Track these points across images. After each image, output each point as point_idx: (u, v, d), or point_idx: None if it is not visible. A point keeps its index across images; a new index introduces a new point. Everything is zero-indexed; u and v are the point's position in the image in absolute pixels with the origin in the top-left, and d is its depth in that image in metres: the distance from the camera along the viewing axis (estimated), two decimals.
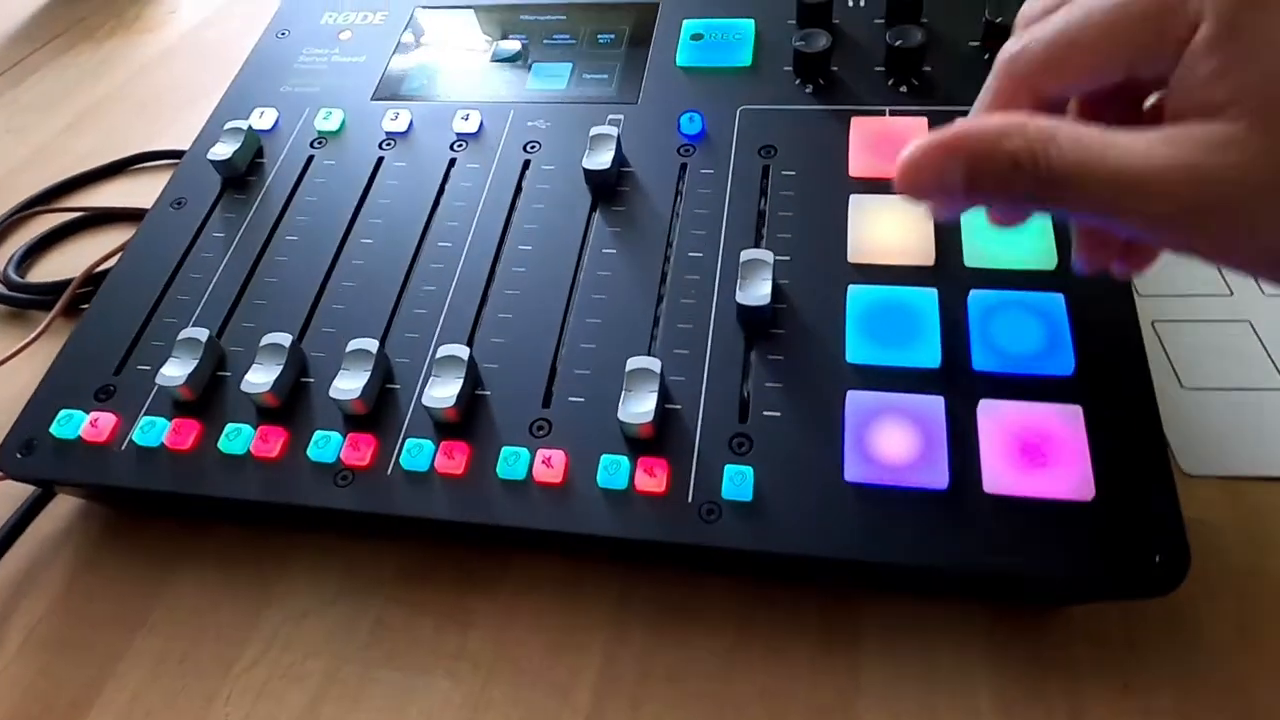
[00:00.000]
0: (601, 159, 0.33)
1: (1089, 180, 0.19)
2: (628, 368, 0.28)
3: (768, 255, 0.29)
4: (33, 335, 0.37)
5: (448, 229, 0.34)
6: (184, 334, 0.30)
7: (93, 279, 0.40)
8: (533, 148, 0.36)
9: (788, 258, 0.30)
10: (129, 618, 0.29)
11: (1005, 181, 0.20)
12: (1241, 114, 0.17)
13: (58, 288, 0.40)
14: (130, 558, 0.30)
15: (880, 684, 0.25)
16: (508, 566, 0.29)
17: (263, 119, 0.39)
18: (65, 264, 0.44)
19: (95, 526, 0.32)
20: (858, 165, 0.33)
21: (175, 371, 0.30)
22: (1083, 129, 0.20)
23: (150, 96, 0.57)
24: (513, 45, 0.40)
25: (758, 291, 0.29)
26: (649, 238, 0.32)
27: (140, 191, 0.48)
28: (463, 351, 0.29)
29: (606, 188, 0.34)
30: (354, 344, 0.29)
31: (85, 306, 0.40)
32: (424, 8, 0.43)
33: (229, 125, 0.37)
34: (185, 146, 0.51)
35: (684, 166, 0.34)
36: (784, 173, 0.33)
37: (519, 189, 0.35)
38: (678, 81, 0.37)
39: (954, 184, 0.21)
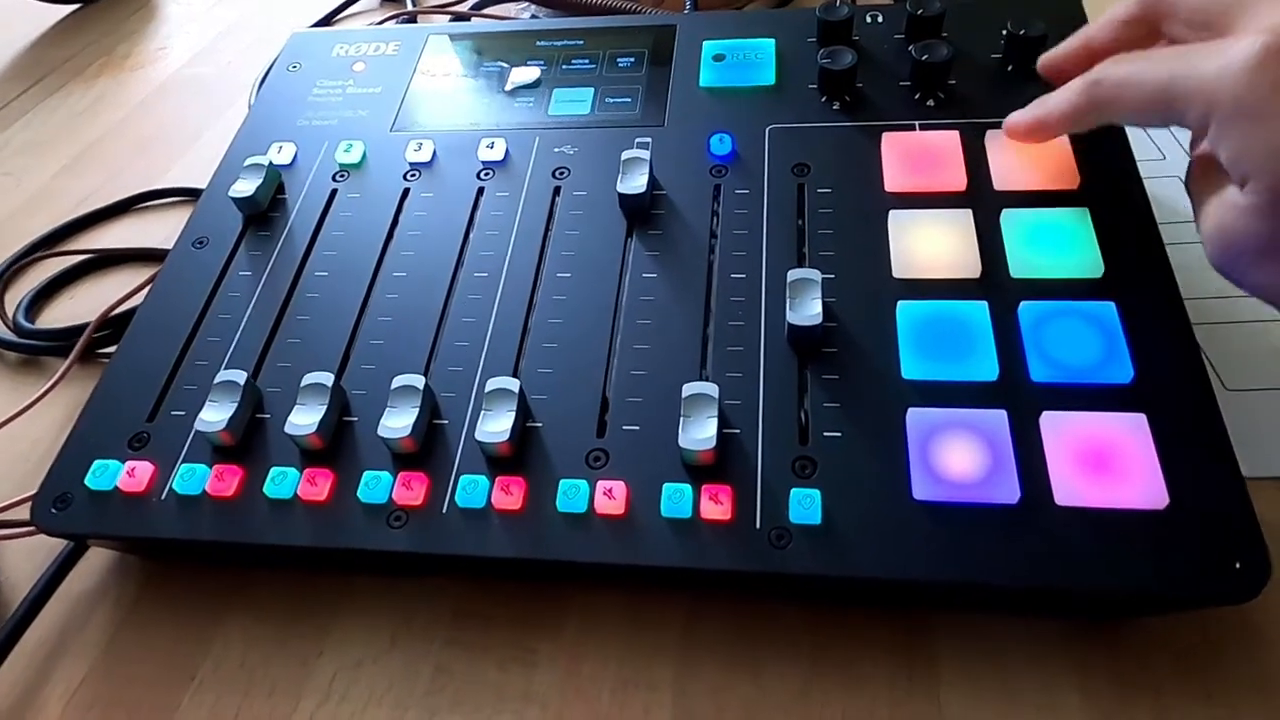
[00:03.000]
0: (635, 183, 0.33)
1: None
2: (684, 394, 0.27)
3: (815, 274, 0.29)
4: (50, 383, 0.36)
5: (482, 259, 0.33)
6: (220, 377, 0.29)
7: (108, 322, 0.39)
8: (562, 173, 0.36)
9: (832, 276, 0.30)
10: (176, 675, 0.28)
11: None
12: None
13: (71, 333, 0.39)
14: (172, 611, 0.29)
15: (962, 706, 0.24)
16: (567, 603, 0.28)
17: (281, 153, 0.38)
18: (75, 308, 0.43)
19: (132, 580, 0.30)
20: (893, 180, 0.33)
21: (214, 416, 0.29)
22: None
23: (147, 135, 0.56)
24: (531, 71, 0.40)
25: (808, 311, 0.28)
26: (689, 260, 0.32)
27: (147, 231, 0.47)
28: (512, 384, 0.28)
29: (641, 211, 0.33)
30: (399, 380, 0.29)
31: (101, 351, 0.39)
32: (437, 34, 0.43)
33: (249, 161, 0.36)
34: (188, 184, 0.51)
35: (717, 188, 0.34)
36: (819, 190, 0.33)
37: (551, 216, 0.34)
38: (702, 102, 0.37)
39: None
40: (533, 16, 0.56)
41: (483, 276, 0.33)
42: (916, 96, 0.36)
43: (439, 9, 0.55)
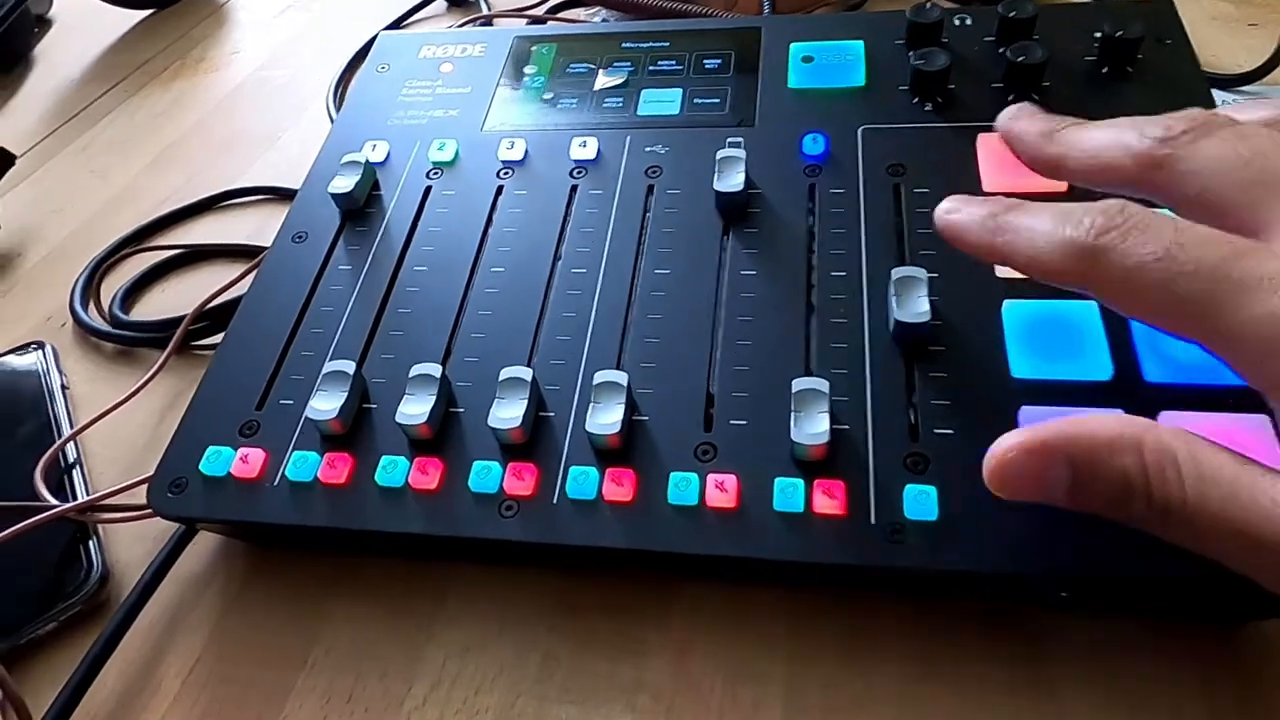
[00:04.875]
0: (732, 181, 0.33)
1: (1205, 526, 0.18)
2: (794, 389, 0.27)
3: (920, 272, 0.29)
4: (151, 372, 0.37)
5: (579, 255, 0.34)
6: (329, 367, 0.30)
7: (203, 315, 0.39)
8: (654, 172, 0.36)
9: (935, 275, 0.30)
10: (288, 656, 0.28)
11: (1115, 503, 0.19)
12: None
13: (167, 325, 0.40)
14: (281, 595, 0.30)
15: (1085, 708, 0.24)
16: (673, 595, 0.28)
17: (375, 151, 0.39)
18: (166, 301, 0.44)
19: (239, 564, 0.31)
20: (990, 181, 0.33)
21: (325, 405, 0.29)
22: (1206, 453, 0.19)
23: (225, 136, 0.57)
24: (619, 72, 0.40)
25: (916, 308, 0.28)
26: (787, 258, 0.32)
27: (230, 228, 0.49)
28: (620, 377, 0.28)
29: (737, 210, 0.34)
30: (507, 372, 0.29)
31: (196, 344, 0.40)
32: (522, 37, 0.43)
33: (345, 158, 0.37)
34: (269, 183, 0.52)
35: (812, 187, 0.34)
36: (916, 190, 0.33)
37: (646, 213, 0.35)
38: (792, 103, 0.37)
39: (1055, 492, 0.20)
40: (603, 20, 0.56)
41: (580, 273, 0.33)
42: (1010, 98, 0.36)
43: (514, 13, 0.56)
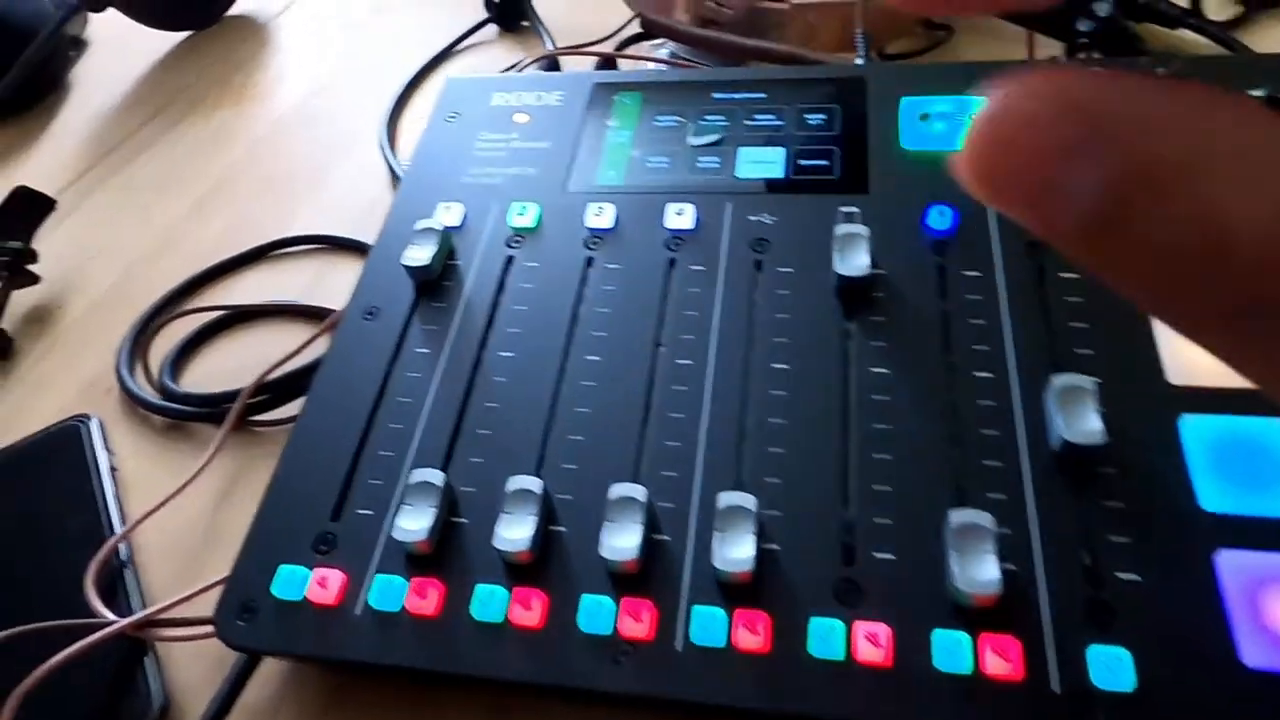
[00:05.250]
0: (856, 263, 0.30)
1: None
2: (952, 523, 0.24)
3: (1088, 381, 0.26)
4: (207, 456, 0.34)
5: (683, 344, 0.30)
6: (414, 477, 0.27)
7: (262, 388, 0.37)
8: (761, 246, 0.33)
9: (1098, 381, 0.27)
10: None
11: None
12: None
13: (222, 399, 0.37)
14: None
15: None
16: None
17: (450, 214, 0.35)
18: (219, 366, 0.41)
19: (310, 693, 0.28)
20: None
21: (413, 524, 0.26)
22: None
23: (273, 172, 0.54)
24: (713, 128, 0.37)
25: (1086, 426, 0.25)
26: (921, 354, 0.29)
27: (282, 281, 0.46)
28: (748, 501, 0.25)
29: (861, 295, 0.30)
30: (618, 490, 0.26)
31: (253, 419, 0.37)
32: (602, 84, 0.40)
33: (419, 225, 0.34)
34: (319, 228, 0.49)
35: (941, 268, 0.31)
36: (1062, 275, 0.30)
37: (755, 295, 0.31)
38: (908, 167, 0.34)
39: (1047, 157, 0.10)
40: (671, 54, 0.53)
41: (686, 364, 0.30)
42: None
43: (577, 50, 0.52)
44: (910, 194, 0.33)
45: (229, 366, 0.40)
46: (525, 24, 0.66)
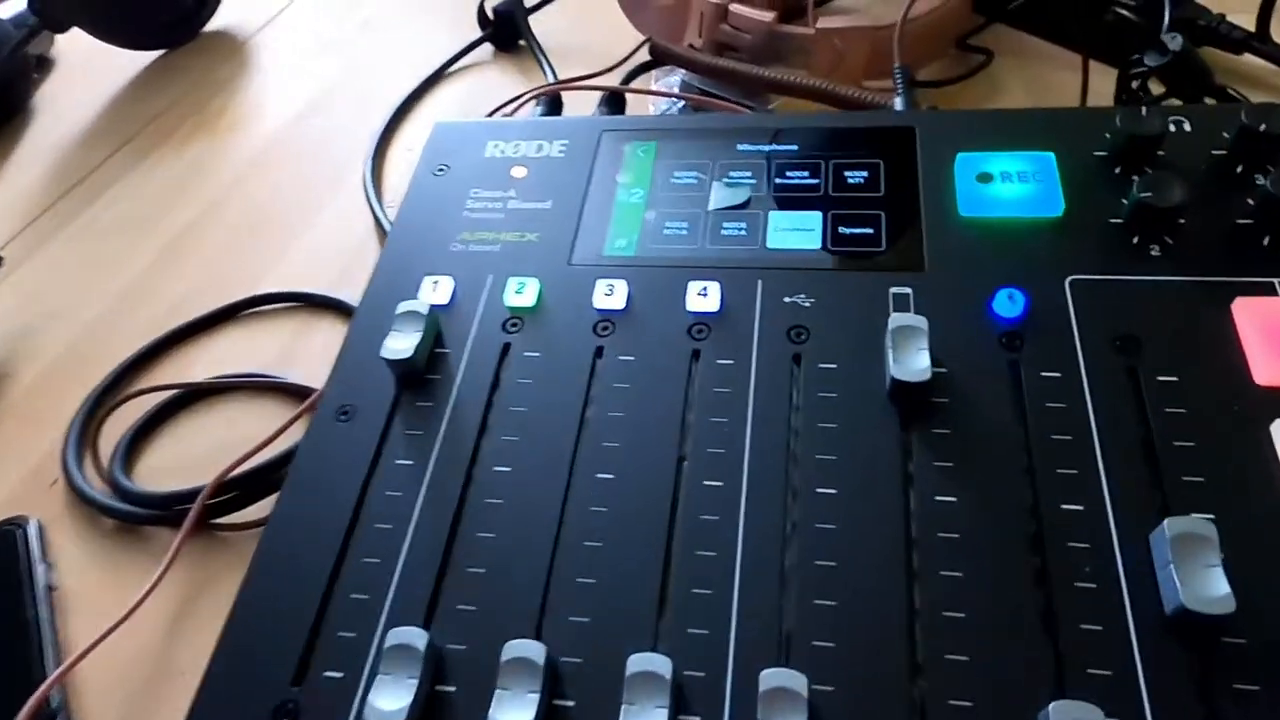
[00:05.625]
0: (915, 366, 0.25)
1: None
2: (1052, 714, 0.19)
3: (1207, 529, 0.21)
4: (158, 573, 0.29)
5: (711, 460, 0.26)
6: (393, 638, 0.22)
7: (223, 487, 0.32)
8: (799, 335, 0.28)
9: (1212, 517, 0.22)
10: None
11: None
12: None
13: (179, 499, 0.32)
14: None
15: None
16: None
17: (437, 291, 0.31)
18: (178, 455, 0.36)
19: None
20: (1264, 369, 0.25)
21: (390, 703, 0.21)
22: None
23: (249, 216, 0.49)
24: (739, 187, 0.32)
25: (1211, 591, 0.20)
26: (995, 478, 0.24)
27: (255, 347, 0.41)
28: (798, 682, 0.20)
29: (920, 401, 0.26)
30: (638, 663, 0.21)
31: (215, 522, 0.33)
32: (611, 132, 0.36)
33: (403, 308, 0.29)
34: (297, 284, 0.44)
35: (1014, 365, 0.26)
36: (1160, 378, 0.25)
37: (794, 397, 0.27)
38: (969, 239, 0.29)
39: None
40: (684, 82, 0.48)
41: (715, 487, 0.25)
42: (1266, 242, 0.27)
43: (580, 82, 0.47)
44: (973, 272, 0.28)
45: (192, 453, 0.36)
46: (523, 43, 0.61)
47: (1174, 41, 0.36)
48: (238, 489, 0.32)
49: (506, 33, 0.60)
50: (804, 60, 0.46)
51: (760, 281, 0.29)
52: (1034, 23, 0.50)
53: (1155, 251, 0.28)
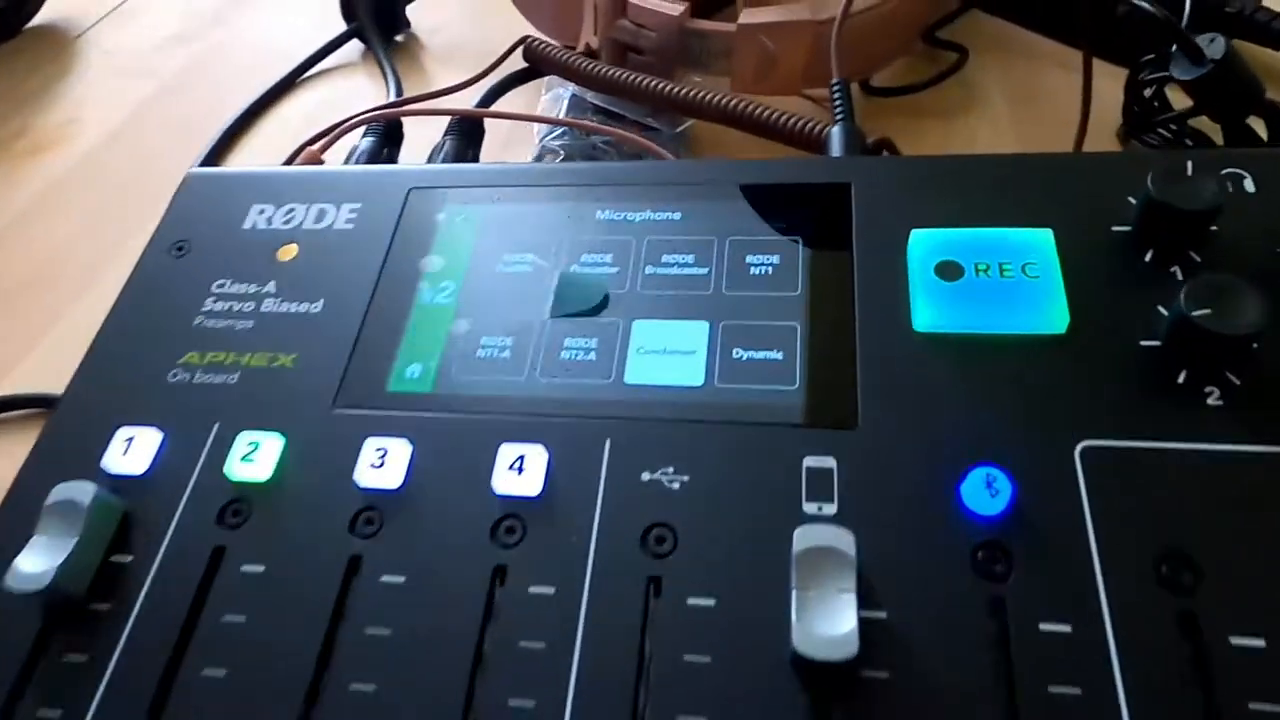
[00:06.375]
0: (833, 632, 0.15)
1: None
2: None
3: None
4: None
5: None
6: None
7: None
8: (661, 542, 0.18)
9: None
10: None
11: None
12: None
13: None
14: None
15: None
16: None
17: (129, 456, 0.20)
18: None
19: None
20: None
21: None
22: None
23: (21, 275, 0.38)
24: (587, 282, 0.22)
25: None
26: None
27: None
28: None
29: (844, 678, 0.16)
30: None
31: None
32: (422, 190, 0.25)
33: (55, 495, 0.19)
34: (62, 368, 0.33)
35: (996, 605, 0.16)
36: (1234, 640, 0.15)
37: (645, 655, 0.17)
38: (926, 373, 0.19)
39: None
40: (573, 97, 0.38)
41: None
42: None
43: (419, 105, 0.35)
44: (932, 434, 0.18)
45: None
46: (400, 38, 0.50)
47: (1214, 46, 0.26)
48: None
49: (380, 24, 0.49)
50: (725, 65, 0.36)
51: (609, 441, 0.19)
52: (1020, 10, 0.39)
53: (1214, 399, 0.18)
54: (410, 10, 0.49)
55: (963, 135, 0.37)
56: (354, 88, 0.47)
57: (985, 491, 0.17)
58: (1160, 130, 0.33)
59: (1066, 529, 0.17)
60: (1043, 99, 0.38)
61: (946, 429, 0.18)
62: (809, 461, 0.18)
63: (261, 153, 0.44)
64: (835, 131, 0.27)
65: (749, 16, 0.35)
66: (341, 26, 0.48)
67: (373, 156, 0.31)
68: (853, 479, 0.18)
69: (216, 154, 0.42)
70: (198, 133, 0.44)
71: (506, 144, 0.39)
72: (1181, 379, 0.18)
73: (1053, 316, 0.19)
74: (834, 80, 0.29)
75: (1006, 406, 0.18)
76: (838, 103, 0.28)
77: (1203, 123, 0.32)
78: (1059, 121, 0.36)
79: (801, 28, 0.34)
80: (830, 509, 0.17)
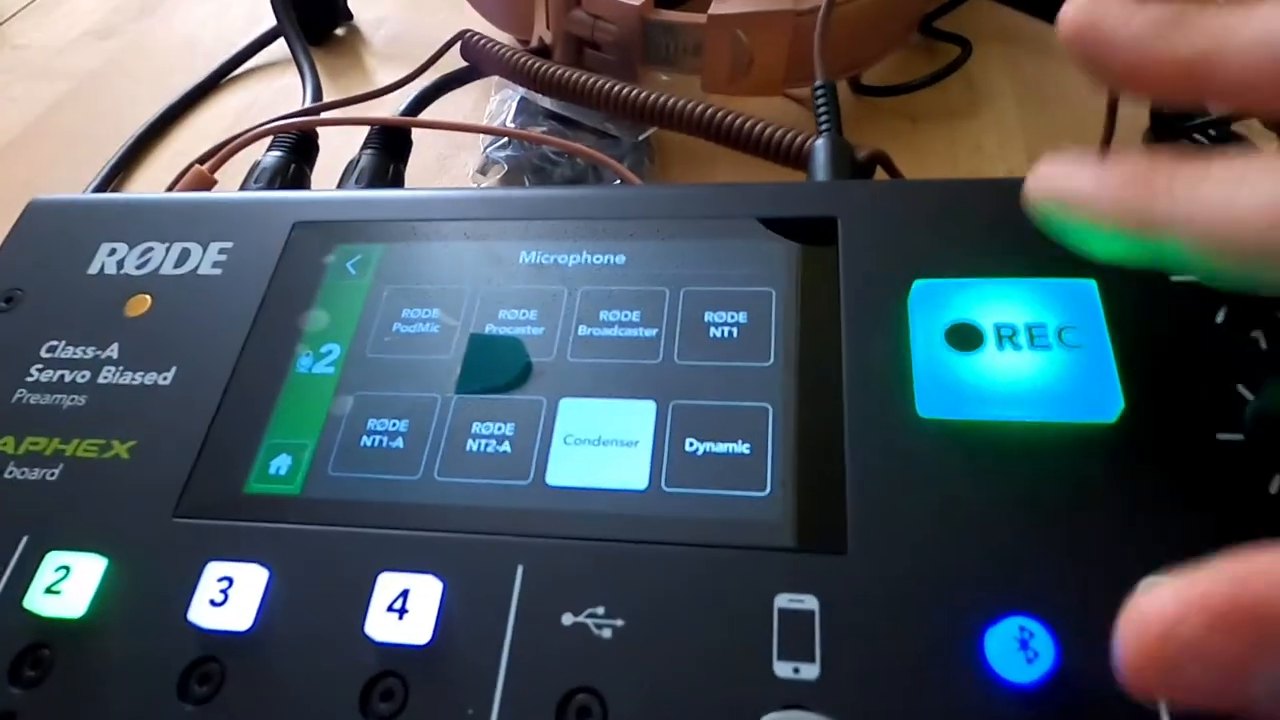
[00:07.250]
0: None
1: None
2: None
3: None
4: None
5: None
6: None
7: None
8: (585, 714, 0.13)
9: None
10: None
11: None
12: None
13: None
14: None
15: None
16: None
17: None
18: None
19: None
20: None
21: None
22: None
23: None
24: (508, 342, 0.17)
25: None
26: None
27: None
28: None
29: None
30: None
31: None
32: (307, 226, 0.20)
33: None
34: None
35: None
36: None
37: None
38: (933, 473, 0.15)
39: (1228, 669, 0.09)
40: (521, 100, 0.33)
41: None
42: None
43: (333, 114, 0.31)
44: (945, 564, 0.14)
45: None
46: (340, 31, 0.45)
47: None
48: None
49: (315, 17, 0.44)
50: (694, 62, 0.31)
51: (521, 570, 0.15)
52: None
53: None
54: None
55: (966, 142, 0.33)
56: (286, 88, 0.42)
57: (1018, 651, 0.13)
58: (1196, 135, 0.29)
59: (1132, 709, 0.12)
60: (1056, 98, 0.33)
61: (964, 558, 0.14)
62: (782, 601, 0.14)
63: (173, 168, 0.39)
64: (819, 146, 0.22)
65: (721, 6, 0.30)
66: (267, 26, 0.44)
67: (277, 175, 0.26)
68: (841, 625, 0.13)
69: (119, 170, 0.37)
70: (105, 143, 0.39)
71: (446, 156, 0.34)
72: (1276, 488, 0.14)
73: (1101, 401, 0.15)
74: (817, 82, 0.25)
75: (1044, 529, 0.14)
76: (822, 110, 0.24)
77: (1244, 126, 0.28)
78: (1076, 124, 0.31)
79: (781, 19, 0.30)
80: (811, 671, 0.13)
